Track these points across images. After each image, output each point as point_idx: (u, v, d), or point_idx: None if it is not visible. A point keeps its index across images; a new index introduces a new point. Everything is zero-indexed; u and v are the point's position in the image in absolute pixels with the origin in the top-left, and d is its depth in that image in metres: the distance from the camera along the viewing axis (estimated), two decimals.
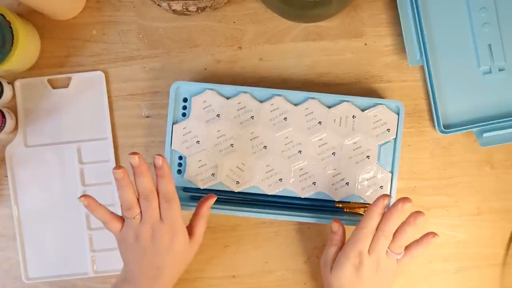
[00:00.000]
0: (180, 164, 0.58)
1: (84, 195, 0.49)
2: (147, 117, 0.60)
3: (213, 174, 0.57)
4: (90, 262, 0.60)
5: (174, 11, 0.56)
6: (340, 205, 0.58)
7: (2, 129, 0.57)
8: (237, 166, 0.57)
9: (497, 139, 0.58)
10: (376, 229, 0.51)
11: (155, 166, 0.48)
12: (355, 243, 0.51)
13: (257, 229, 0.60)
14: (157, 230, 0.49)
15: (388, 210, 0.51)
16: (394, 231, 0.51)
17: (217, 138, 0.57)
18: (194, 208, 0.54)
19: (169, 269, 0.51)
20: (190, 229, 0.53)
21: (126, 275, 0.52)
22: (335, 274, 0.52)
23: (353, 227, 0.53)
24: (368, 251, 0.51)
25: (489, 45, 0.58)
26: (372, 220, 0.51)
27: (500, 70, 0.59)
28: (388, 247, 0.51)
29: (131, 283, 0.51)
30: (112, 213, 0.50)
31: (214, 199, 0.54)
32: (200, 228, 0.53)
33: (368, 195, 0.57)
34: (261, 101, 0.57)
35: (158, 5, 0.56)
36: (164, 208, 0.49)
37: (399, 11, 0.58)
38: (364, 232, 0.51)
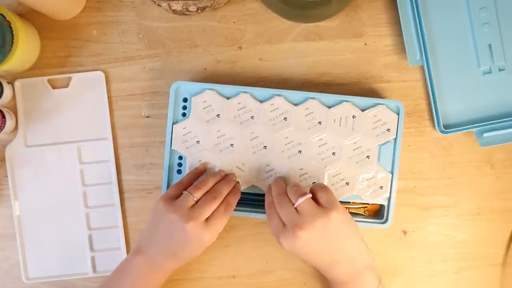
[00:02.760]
0: (180, 164, 0.58)
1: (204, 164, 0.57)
2: (147, 117, 0.60)
3: None
4: (90, 262, 0.60)
5: (174, 11, 0.56)
6: None
7: (2, 129, 0.57)
8: (237, 166, 0.57)
9: (497, 139, 0.58)
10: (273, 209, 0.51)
11: (235, 184, 0.56)
12: (271, 227, 0.51)
13: (257, 229, 0.60)
14: (196, 228, 0.50)
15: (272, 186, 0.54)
16: (283, 195, 0.51)
17: (217, 138, 0.57)
18: None
19: (185, 259, 0.53)
20: None
21: (141, 247, 0.53)
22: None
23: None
24: (284, 224, 0.49)
25: (489, 45, 0.58)
26: (268, 197, 0.53)
27: (500, 70, 0.59)
28: (293, 205, 0.50)
29: (142, 254, 0.52)
30: (185, 185, 0.54)
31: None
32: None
33: (368, 195, 0.57)
34: (261, 101, 0.57)
35: (158, 5, 0.56)
36: (219, 212, 0.52)
37: (399, 11, 0.58)
38: (267, 214, 0.52)
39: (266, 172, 0.57)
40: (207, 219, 0.51)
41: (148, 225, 0.53)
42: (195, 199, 0.51)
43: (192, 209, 0.50)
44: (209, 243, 0.52)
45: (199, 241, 0.51)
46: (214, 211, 0.51)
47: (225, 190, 0.53)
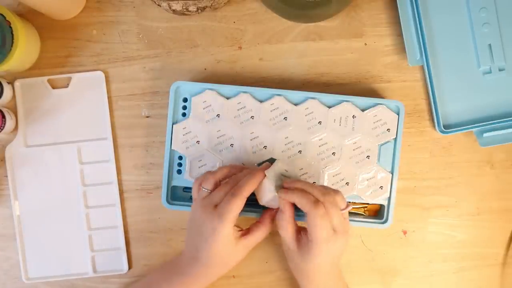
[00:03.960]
0: (180, 164, 0.58)
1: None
2: (147, 117, 0.60)
3: None
4: (90, 262, 0.60)
5: (174, 11, 0.56)
6: None
7: (2, 129, 0.57)
8: None
9: (497, 139, 0.58)
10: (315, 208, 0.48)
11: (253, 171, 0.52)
12: (316, 232, 0.48)
13: None
14: (206, 215, 0.50)
15: (300, 187, 0.50)
16: (332, 197, 0.49)
17: (217, 138, 0.57)
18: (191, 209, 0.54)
19: (206, 258, 0.51)
20: (245, 231, 0.53)
21: (184, 249, 0.55)
22: (311, 263, 0.50)
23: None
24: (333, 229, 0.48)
25: (489, 45, 0.58)
26: (307, 196, 0.49)
27: (500, 70, 0.59)
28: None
29: (180, 255, 0.55)
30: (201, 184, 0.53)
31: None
32: (255, 235, 0.53)
33: (368, 195, 0.57)
34: (261, 101, 0.57)
35: (158, 5, 0.56)
36: (225, 199, 0.50)
37: (399, 11, 0.58)
38: (315, 216, 0.47)
39: None
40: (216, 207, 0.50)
41: None
42: (208, 190, 0.51)
43: (202, 199, 0.51)
44: (222, 232, 0.49)
45: (211, 228, 0.49)
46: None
47: (237, 178, 0.52)
